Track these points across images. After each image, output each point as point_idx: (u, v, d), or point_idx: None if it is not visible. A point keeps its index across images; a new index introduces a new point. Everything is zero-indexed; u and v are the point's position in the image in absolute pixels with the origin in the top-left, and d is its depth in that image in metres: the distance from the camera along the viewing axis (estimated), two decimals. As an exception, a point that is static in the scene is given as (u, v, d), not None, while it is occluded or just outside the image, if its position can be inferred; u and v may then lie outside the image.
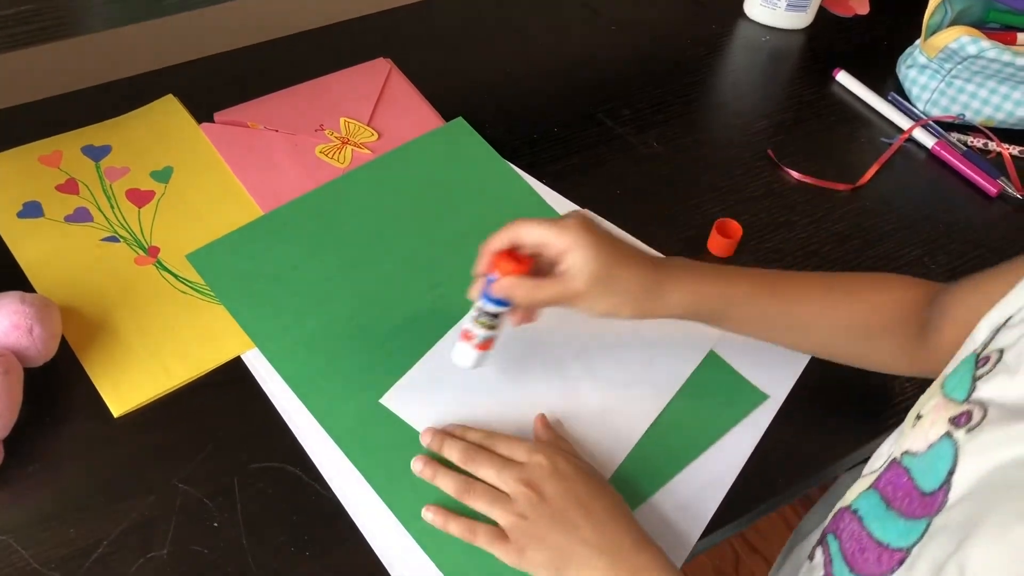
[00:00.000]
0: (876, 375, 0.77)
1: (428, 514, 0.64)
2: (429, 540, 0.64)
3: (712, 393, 0.75)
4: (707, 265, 0.68)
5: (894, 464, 0.55)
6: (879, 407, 0.75)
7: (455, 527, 0.63)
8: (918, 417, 0.55)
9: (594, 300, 0.64)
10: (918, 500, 0.52)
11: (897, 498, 0.54)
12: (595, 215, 0.72)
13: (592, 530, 0.61)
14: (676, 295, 0.66)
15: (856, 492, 0.58)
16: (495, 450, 0.66)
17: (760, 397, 0.75)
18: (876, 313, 0.68)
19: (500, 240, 0.65)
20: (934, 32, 0.96)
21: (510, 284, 0.65)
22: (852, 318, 0.69)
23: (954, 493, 0.48)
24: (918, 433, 0.53)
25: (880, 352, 0.70)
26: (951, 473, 0.49)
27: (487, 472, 0.65)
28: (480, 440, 0.67)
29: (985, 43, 0.90)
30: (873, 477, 0.57)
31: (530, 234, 0.64)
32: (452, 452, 0.66)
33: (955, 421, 0.50)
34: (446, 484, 0.65)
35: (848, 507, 0.58)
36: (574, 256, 0.63)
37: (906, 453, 0.54)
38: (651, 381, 0.74)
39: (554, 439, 0.69)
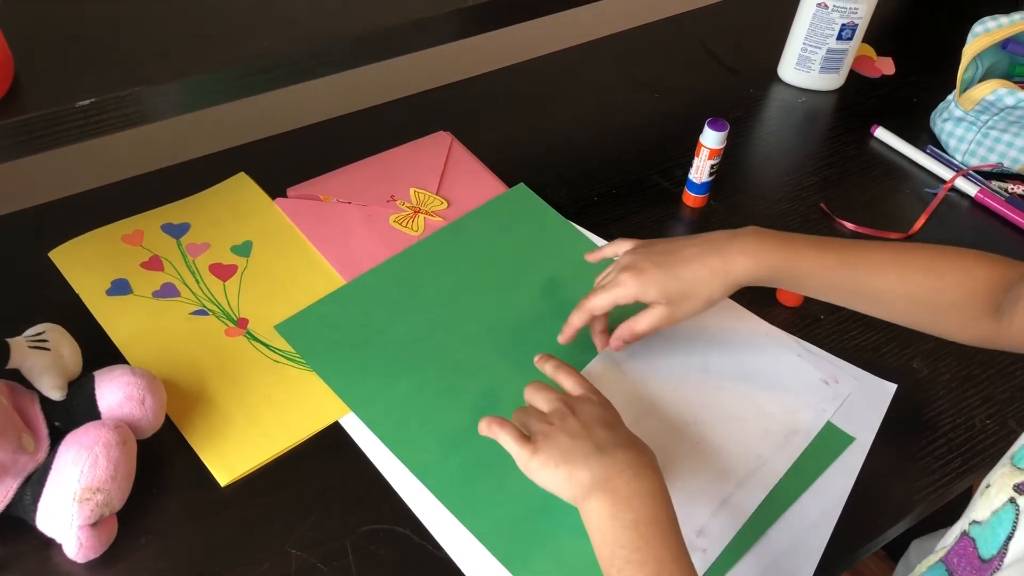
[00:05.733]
0: (961, 409, 0.79)
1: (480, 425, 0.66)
2: (548, 593, 0.64)
3: (799, 439, 0.76)
4: (776, 234, 0.72)
5: (963, 536, 0.55)
6: (964, 442, 0.77)
7: (483, 424, 0.66)
8: (987, 486, 0.55)
9: (681, 311, 0.72)
10: (977, 567, 0.52)
11: (960, 568, 0.54)
12: (633, 241, 0.78)
13: (607, 435, 0.63)
14: (743, 262, 0.70)
15: (926, 565, 0.59)
16: (558, 377, 0.71)
17: (846, 440, 0.76)
18: (946, 287, 0.70)
19: (581, 319, 0.76)
20: (968, 87, 1.01)
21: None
22: (921, 291, 0.70)
23: (1009, 558, 0.49)
24: (984, 502, 0.54)
25: (948, 324, 0.72)
26: (1009, 538, 0.50)
27: (539, 397, 0.68)
28: (551, 372, 0.72)
29: (1022, 93, 0.94)
30: (943, 552, 0.57)
31: (603, 307, 0.74)
32: (526, 389, 0.70)
33: (1019, 488, 0.51)
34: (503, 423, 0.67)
35: None
36: (645, 297, 0.72)
37: (973, 523, 0.54)
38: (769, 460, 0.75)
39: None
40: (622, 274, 0.73)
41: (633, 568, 0.57)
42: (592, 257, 0.82)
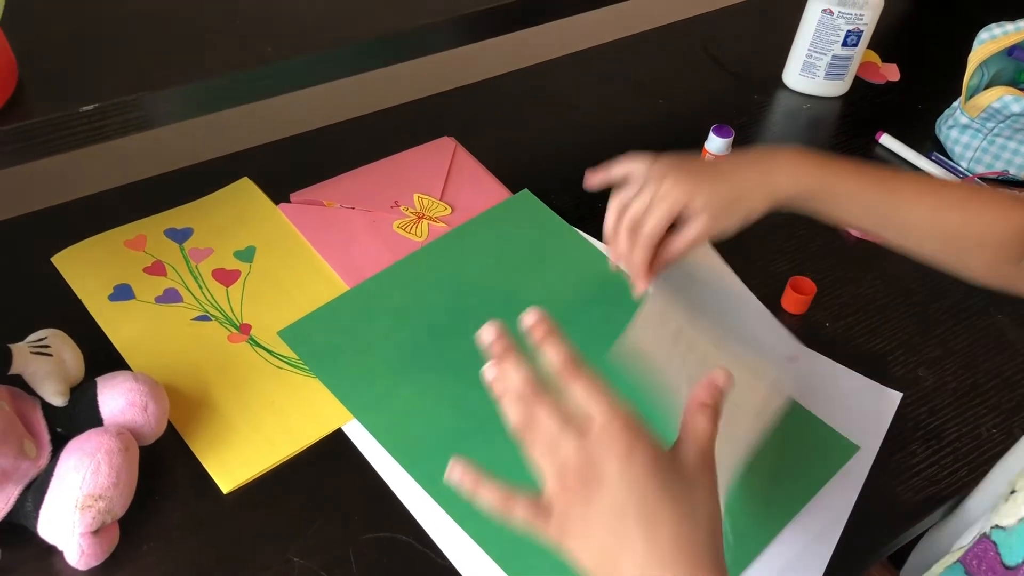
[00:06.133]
0: (967, 418, 0.79)
1: (455, 473, 0.54)
2: (551, 603, 0.64)
3: (803, 448, 0.76)
4: (817, 153, 0.70)
5: (983, 539, 0.55)
6: (970, 451, 0.76)
7: (488, 494, 0.52)
8: (1012, 492, 0.55)
9: (722, 223, 0.69)
10: (1000, 573, 0.52)
11: (980, 572, 0.54)
12: (651, 156, 0.72)
13: (647, 547, 0.47)
14: (785, 177, 0.68)
15: (943, 566, 0.58)
16: (572, 386, 0.51)
17: (851, 449, 0.75)
18: (978, 226, 0.68)
19: (645, 252, 0.70)
20: (974, 93, 1.00)
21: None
22: (952, 227, 0.69)
23: None
24: (1010, 508, 0.54)
25: (974, 264, 0.70)
26: None
27: (547, 422, 0.51)
28: (561, 364, 0.52)
29: (1028, 101, 0.94)
30: (960, 552, 0.57)
31: (659, 225, 0.68)
32: (513, 377, 0.53)
33: None
34: (513, 414, 0.53)
35: None
36: (694, 204, 0.67)
37: (996, 527, 0.54)
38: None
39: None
40: (664, 184, 0.68)
41: None
42: (594, 180, 0.77)
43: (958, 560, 0.56)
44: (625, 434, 0.49)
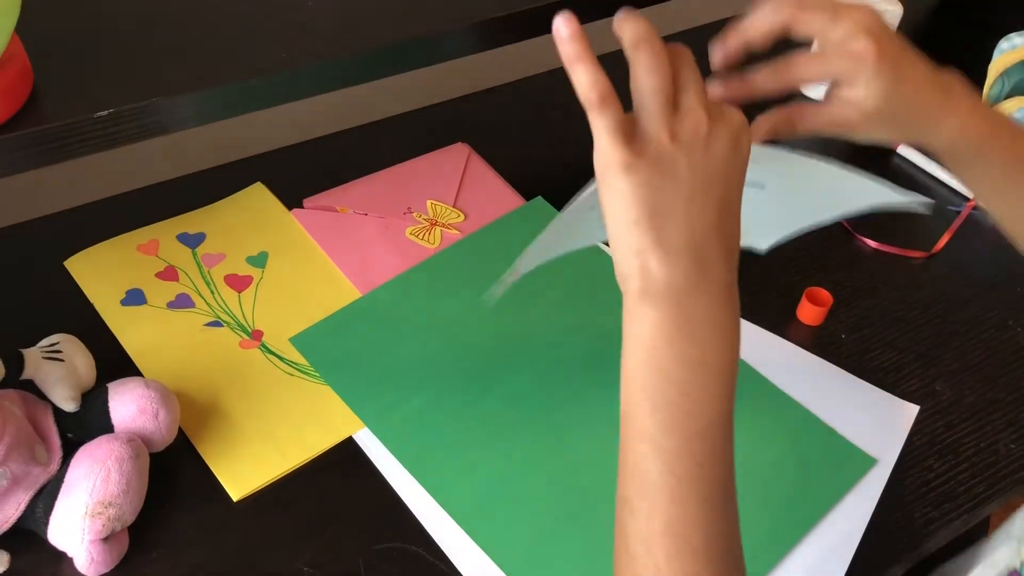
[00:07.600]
0: (984, 433, 0.78)
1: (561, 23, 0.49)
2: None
3: (819, 461, 0.75)
4: (983, 103, 0.59)
5: (1013, 574, 0.54)
6: (988, 467, 0.75)
7: (585, 67, 0.48)
8: None
9: (868, 130, 0.56)
10: None
11: None
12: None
13: (719, 210, 0.47)
14: (948, 127, 0.55)
15: None
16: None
17: (868, 462, 0.75)
18: None
19: (774, 82, 0.57)
20: (994, 104, 0.99)
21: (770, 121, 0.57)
22: None
23: None
24: None
25: None
26: None
27: (691, 75, 0.49)
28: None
29: (1049, 112, 0.93)
30: None
31: (814, 77, 0.56)
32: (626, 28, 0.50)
33: None
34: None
35: None
36: (868, 86, 0.53)
37: None
38: None
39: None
40: (861, 40, 0.52)
41: (676, 413, 0.45)
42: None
43: None
44: (744, 133, 0.49)
